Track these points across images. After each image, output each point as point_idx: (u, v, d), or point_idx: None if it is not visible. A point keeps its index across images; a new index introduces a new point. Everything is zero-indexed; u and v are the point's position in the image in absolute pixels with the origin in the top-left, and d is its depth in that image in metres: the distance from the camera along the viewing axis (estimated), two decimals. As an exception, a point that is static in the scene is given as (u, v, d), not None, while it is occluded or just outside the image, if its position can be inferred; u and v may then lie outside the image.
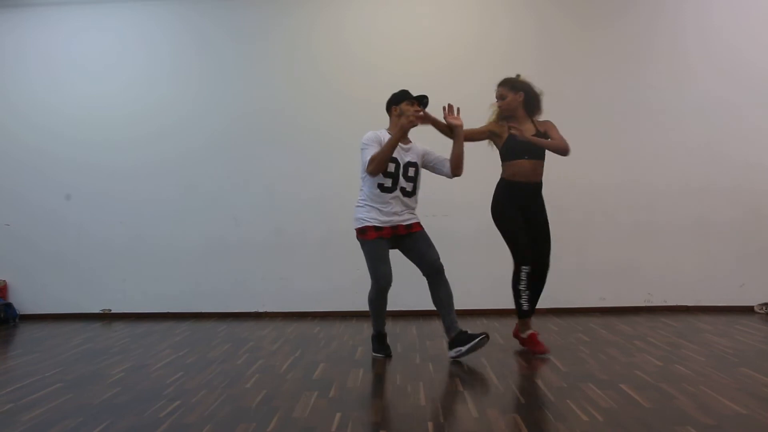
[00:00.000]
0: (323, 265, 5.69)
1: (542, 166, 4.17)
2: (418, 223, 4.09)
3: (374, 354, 4.15)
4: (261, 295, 5.73)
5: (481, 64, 5.57)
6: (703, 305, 5.52)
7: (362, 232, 3.96)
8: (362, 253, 4.02)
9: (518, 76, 4.16)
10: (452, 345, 3.96)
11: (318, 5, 5.75)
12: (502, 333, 4.75)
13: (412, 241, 4.04)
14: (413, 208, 4.09)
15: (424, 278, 4.05)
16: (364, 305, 5.17)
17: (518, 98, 4.09)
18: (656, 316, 5.32)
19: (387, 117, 4.11)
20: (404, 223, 4.03)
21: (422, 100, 4.05)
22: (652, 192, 5.56)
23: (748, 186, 5.52)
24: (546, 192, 5.54)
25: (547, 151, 4.10)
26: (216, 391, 3.36)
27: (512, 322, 5.14)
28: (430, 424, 2.78)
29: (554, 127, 4.12)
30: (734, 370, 3.52)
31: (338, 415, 2.96)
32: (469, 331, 3.95)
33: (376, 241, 3.95)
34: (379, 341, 4.17)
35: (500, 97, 4.15)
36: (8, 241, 5.90)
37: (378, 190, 3.95)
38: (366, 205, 3.98)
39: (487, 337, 3.92)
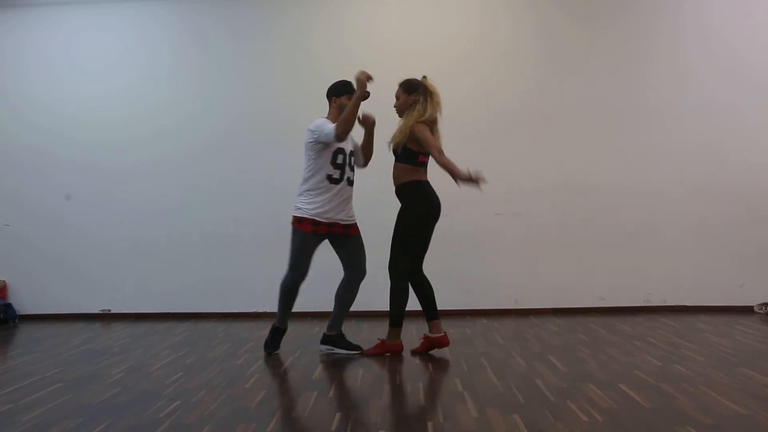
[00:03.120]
0: (323, 265, 5.66)
1: (396, 169, 4.08)
2: (356, 226, 4.23)
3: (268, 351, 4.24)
4: (261, 295, 5.72)
5: (481, 64, 5.57)
6: (702, 305, 5.51)
7: (299, 222, 4.08)
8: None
9: (424, 78, 4.11)
10: (328, 341, 4.26)
11: (318, 5, 5.75)
12: (502, 333, 4.75)
13: (345, 240, 4.20)
14: (351, 200, 4.19)
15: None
16: (363, 305, 5.18)
17: (409, 100, 4.04)
18: (656, 316, 5.32)
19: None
20: (342, 223, 4.14)
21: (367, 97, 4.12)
22: (652, 192, 5.56)
23: (748, 186, 5.52)
24: (546, 192, 5.59)
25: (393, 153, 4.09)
26: (216, 391, 3.36)
27: (512, 322, 5.14)
28: (430, 424, 2.78)
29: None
30: (734, 370, 3.52)
31: (338, 415, 2.97)
32: (347, 338, 4.29)
33: (309, 235, 4.09)
34: (278, 337, 4.29)
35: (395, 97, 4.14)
36: (8, 241, 5.90)
37: (326, 182, 4.06)
38: (308, 195, 4.07)
39: (361, 353, 4.17)
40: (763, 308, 5.42)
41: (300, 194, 4.12)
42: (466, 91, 5.56)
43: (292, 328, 5.11)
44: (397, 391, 3.34)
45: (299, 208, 4.10)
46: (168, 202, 5.80)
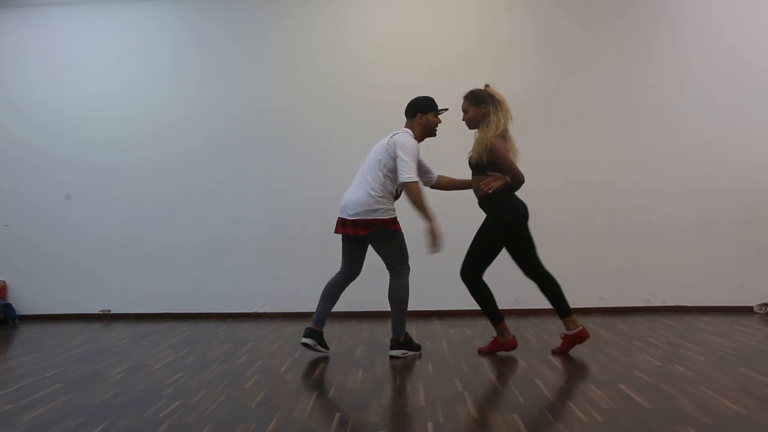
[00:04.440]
0: (323, 265, 5.67)
1: (477, 182, 4.07)
2: None
3: (412, 353, 4.10)
4: (260, 295, 5.73)
5: (481, 64, 5.57)
6: (702, 305, 5.51)
7: (394, 223, 4.06)
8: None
9: (487, 86, 4.09)
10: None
11: (318, 5, 5.75)
12: (502, 333, 4.75)
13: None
14: None
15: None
16: (362, 305, 5.19)
17: (480, 111, 4.01)
18: (655, 316, 5.32)
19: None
20: None
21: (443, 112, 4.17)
22: (652, 192, 5.56)
23: (748, 186, 5.52)
24: (546, 192, 5.58)
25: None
26: (216, 391, 3.36)
27: (512, 322, 5.14)
28: (430, 425, 2.78)
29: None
30: (734, 370, 3.53)
31: (338, 415, 2.97)
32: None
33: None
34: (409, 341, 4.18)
35: (463, 110, 4.11)
36: (8, 241, 5.90)
37: (394, 194, 4.11)
38: (386, 198, 4.03)
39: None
40: (763, 308, 5.42)
41: (381, 196, 4.00)
42: (466, 91, 5.55)
43: (293, 329, 5.12)
44: (397, 391, 3.34)
45: (387, 210, 4.04)
46: (168, 202, 5.80)
